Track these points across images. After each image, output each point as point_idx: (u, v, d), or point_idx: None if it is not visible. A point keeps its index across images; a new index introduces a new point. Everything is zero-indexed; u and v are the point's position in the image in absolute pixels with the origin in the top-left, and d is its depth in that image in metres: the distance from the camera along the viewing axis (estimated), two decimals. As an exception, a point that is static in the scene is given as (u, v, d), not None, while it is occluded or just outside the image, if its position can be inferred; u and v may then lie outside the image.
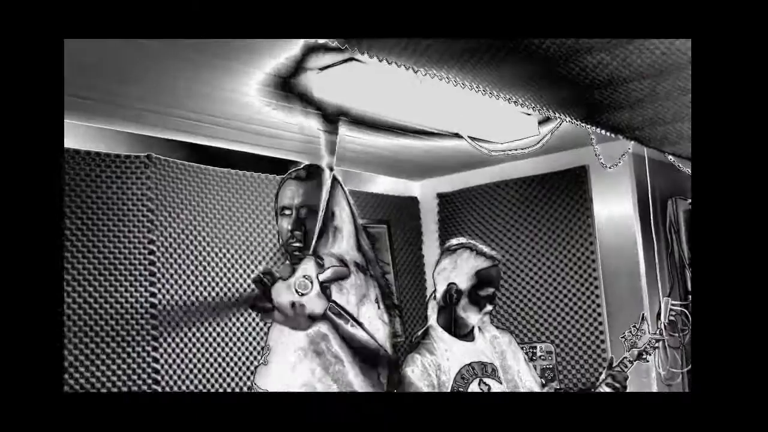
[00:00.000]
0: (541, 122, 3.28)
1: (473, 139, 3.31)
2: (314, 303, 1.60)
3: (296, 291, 1.51)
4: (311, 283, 1.53)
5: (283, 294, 1.58)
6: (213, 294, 3.21)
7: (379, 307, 2.11)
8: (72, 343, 2.70)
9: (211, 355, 3.16)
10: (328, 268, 1.69)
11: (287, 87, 2.56)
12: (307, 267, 1.59)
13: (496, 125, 3.19)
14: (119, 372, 2.81)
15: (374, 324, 2.09)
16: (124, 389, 2.81)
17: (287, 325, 1.59)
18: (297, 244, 2.09)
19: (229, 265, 3.32)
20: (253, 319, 3.35)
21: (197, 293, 3.13)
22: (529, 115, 3.11)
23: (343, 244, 2.11)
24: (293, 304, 1.55)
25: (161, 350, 2.93)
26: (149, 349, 2.90)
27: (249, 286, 3.34)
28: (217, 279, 3.24)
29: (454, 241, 2.82)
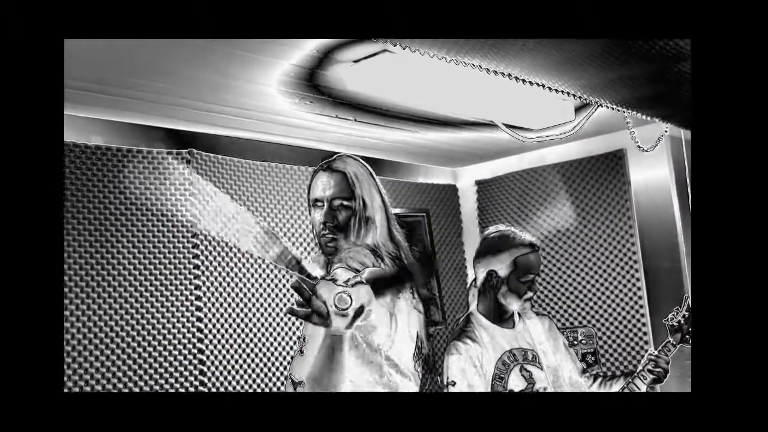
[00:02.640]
0: (576, 108, 3.27)
1: (509, 126, 3.31)
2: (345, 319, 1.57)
3: (334, 305, 1.49)
4: (350, 298, 1.51)
5: (323, 295, 1.56)
6: (257, 286, 3.26)
7: (414, 297, 2.12)
8: (114, 342, 2.75)
9: (253, 346, 3.22)
10: (363, 272, 1.65)
11: (316, 79, 2.54)
12: (360, 293, 1.51)
13: (531, 112, 3.18)
14: (168, 370, 2.87)
15: (411, 315, 2.10)
16: (173, 389, 2.87)
17: (324, 326, 1.58)
18: (330, 236, 2.09)
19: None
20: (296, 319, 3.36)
21: (241, 285, 3.19)
22: (564, 100, 3.10)
23: (376, 235, 2.10)
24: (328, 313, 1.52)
25: (206, 341, 2.99)
26: (195, 348, 2.96)
27: (292, 276, 3.35)
28: (260, 270, 3.30)
29: (492, 229, 2.84)
